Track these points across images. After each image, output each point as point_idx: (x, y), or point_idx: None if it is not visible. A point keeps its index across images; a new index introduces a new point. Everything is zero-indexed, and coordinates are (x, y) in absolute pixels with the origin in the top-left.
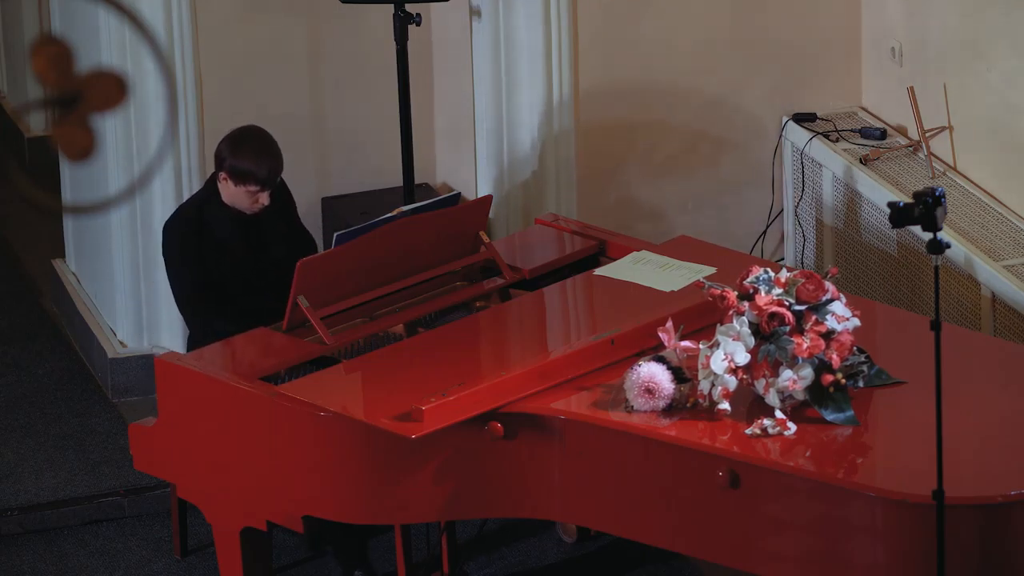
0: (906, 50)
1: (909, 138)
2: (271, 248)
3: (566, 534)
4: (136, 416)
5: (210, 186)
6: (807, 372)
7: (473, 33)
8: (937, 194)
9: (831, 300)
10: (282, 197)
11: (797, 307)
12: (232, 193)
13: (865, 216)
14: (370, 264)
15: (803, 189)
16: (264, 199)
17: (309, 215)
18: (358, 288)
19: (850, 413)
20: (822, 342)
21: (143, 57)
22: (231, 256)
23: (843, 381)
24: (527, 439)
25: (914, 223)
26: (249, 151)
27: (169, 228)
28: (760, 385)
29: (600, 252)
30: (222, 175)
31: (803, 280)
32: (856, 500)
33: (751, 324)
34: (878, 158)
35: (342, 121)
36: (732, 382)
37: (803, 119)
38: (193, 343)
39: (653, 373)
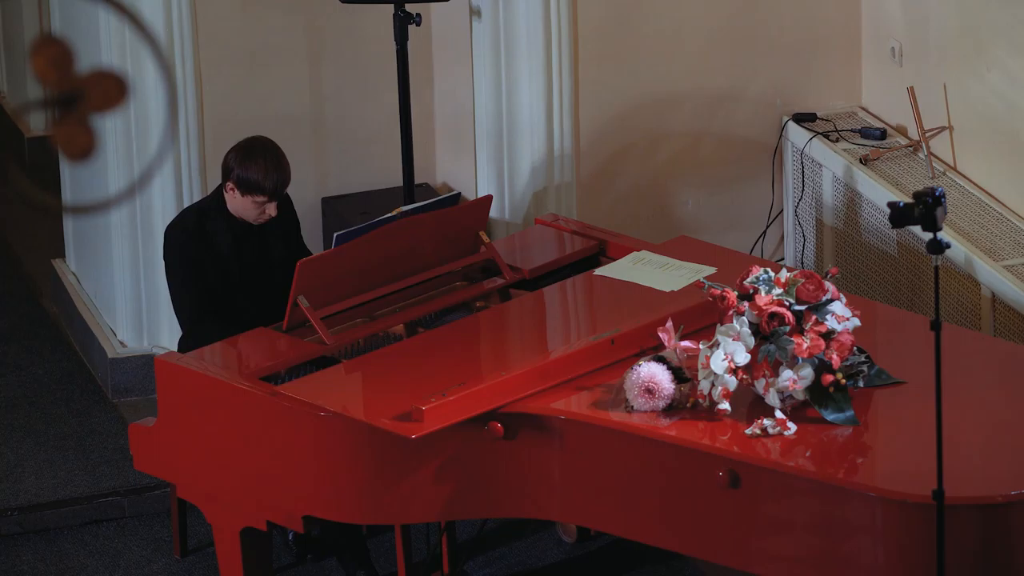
0: (906, 50)
1: (909, 138)
2: (272, 263)
3: (566, 534)
4: (136, 416)
5: (215, 196)
6: (807, 372)
7: (473, 33)
8: (937, 194)
9: (831, 300)
10: (287, 215)
11: (797, 307)
12: (239, 204)
13: (865, 216)
14: (370, 264)
15: (803, 189)
16: (271, 210)
17: (309, 215)
18: (358, 288)
19: (850, 413)
20: (822, 342)
21: (143, 57)
22: (230, 267)
23: (843, 381)
24: (527, 439)
25: (914, 223)
26: (257, 162)
27: (170, 234)
28: (760, 385)
29: (600, 252)
30: (229, 185)
31: (803, 280)
32: (856, 500)
33: (751, 324)
34: (878, 158)
35: (342, 121)
36: (732, 382)
37: (803, 119)
38: (184, 347)
39: (653, 373)
